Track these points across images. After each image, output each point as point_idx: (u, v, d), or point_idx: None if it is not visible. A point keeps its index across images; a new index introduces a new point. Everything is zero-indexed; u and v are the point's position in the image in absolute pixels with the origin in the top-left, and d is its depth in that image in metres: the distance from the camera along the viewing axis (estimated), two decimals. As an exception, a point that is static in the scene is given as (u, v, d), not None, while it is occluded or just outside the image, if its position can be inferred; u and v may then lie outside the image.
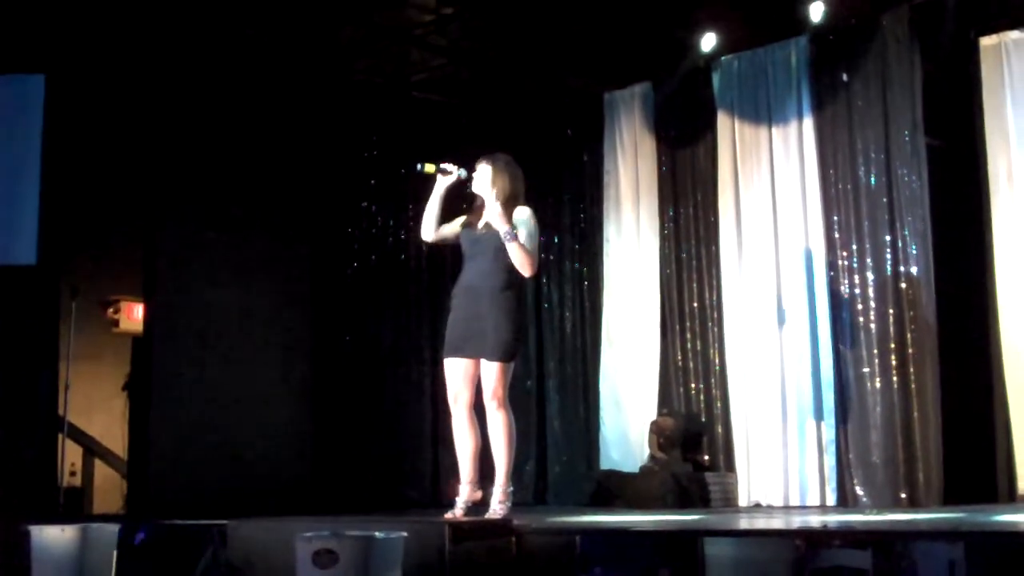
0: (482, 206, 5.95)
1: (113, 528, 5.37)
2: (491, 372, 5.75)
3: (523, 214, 5.86)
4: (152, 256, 9.18)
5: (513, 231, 5.74)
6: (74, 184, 8.86)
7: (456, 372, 5.88)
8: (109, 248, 10.71)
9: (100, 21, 8.58)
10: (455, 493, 5.95)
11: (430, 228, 6.09)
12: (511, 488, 5.79)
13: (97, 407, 10.70)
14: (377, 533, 4.43)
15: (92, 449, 10.64)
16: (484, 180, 5.93)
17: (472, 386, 5.86)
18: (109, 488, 10.66)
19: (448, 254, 10.47)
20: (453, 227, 6.08)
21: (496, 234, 5.79)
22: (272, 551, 5.15)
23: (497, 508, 5.71)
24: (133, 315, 10.86)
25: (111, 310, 11.28)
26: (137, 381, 9.47)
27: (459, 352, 5.85)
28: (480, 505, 5.84)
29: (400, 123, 10.41)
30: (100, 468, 10.73)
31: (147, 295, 9.32)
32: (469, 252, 5.95)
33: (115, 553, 5.27)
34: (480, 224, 5.92)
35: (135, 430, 9.17)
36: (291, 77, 9.62)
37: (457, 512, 5.75)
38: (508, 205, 5.85)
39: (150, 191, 9.28)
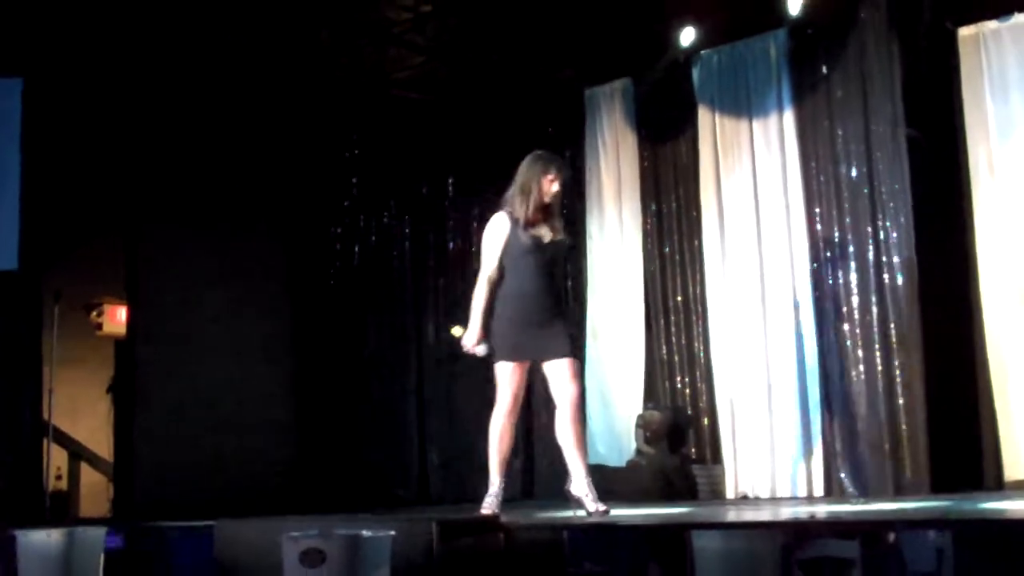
0: (547, 208, 6.10)
1: (99, 532, 5.35)
2: (572, 368, 5.98)
3: None
4: (134, 259, 9.17)
5: None
6: (54, 188, 8.83)
7: (522, 375, 6.04)
8: (91, 252, 10.68)
9: (79, 24, 8.54)
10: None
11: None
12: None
13: (82, 411, 10.67)
14: (365, 532, 4.43)
15: (77, 453, 10.62)
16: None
17: None
18: (96, 491, 10.64)
19: (432, 253, 10.52)
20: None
21: (563, 247, 6.16)
22: (260, 551, 5.12)
23: (598, 505, 5.81)
24: (116, 318, 10.84)
25: (94, 313, 11.26)
26: (121, 384, 9.46)
27: (529, 355, 6.01)
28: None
29: (381, 122, 10.40)
30: (86, 471, 10.72)
31: (130, 298, 9.30)
32: (532, 255, 6.03)
33: (102, 557, 5.25)
34: (547, 231, 6.09)
35: (120, 433, 9.16)
36: (270, 78, 9.60)
37: (599, 507, 5.80)
38: None
39: (131, 194, 9.27)
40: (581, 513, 5.85)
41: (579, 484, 5.91)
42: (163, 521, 6.78)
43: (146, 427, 8.88)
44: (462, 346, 6.08)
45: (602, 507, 5.81)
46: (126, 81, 8.99)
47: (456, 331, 6.22)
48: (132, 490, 8.81)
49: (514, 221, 6.07)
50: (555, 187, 6.09)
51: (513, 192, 6.16)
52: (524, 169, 6.18)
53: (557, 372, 5.97)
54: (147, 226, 9.16)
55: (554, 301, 6.08)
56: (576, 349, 6.13)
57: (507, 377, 6.01)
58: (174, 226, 9.17)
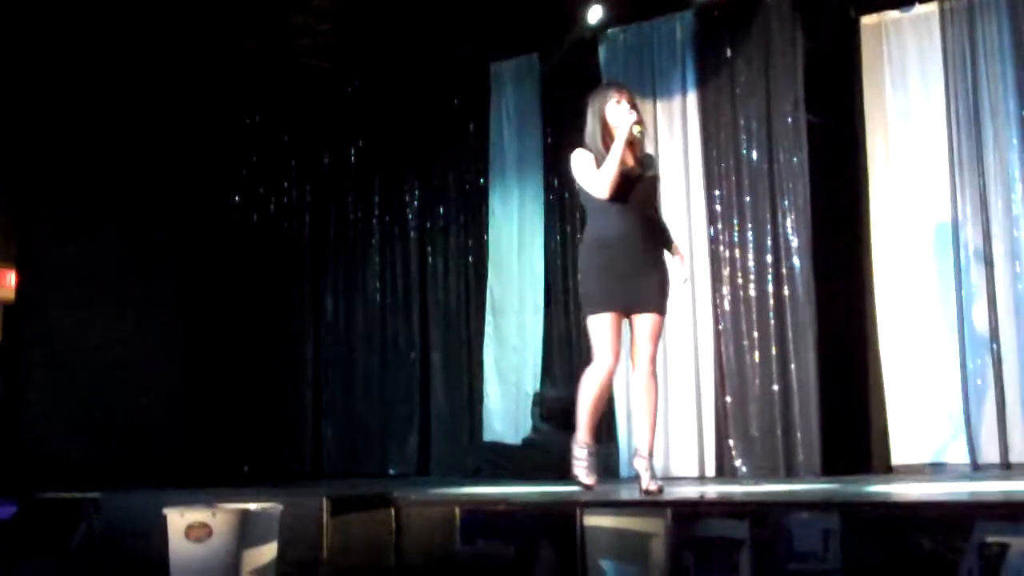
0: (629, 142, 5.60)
1: (-21, 502, 5.23)
2: (657, 326, 5.65)
3: None
4: (24, 222, 8.95)
5: None
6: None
7: (619, 328, 5.69)
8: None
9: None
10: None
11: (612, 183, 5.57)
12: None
13: (-34, 377, 10.40)
14: (251, 506, 4.37)
15: (-39, 420, 10.36)
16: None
17: None
18: (-21, 461, 10.38)
19: (332, 220, 10.41)
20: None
21: (655, 179, 5.70)
22: (146, 524, 5.04)
23: (651, 484, 5.59)
24: (5, 282, 10.57)
25: (-20, 277, 10.97)
26: (8, 350, 9.23)
27: (620, 305, 5.64)
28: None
29: (284, 89, 10.27)
30: (-30, 440, 10.45)
31: (19, 262, 9.08)
32: (621, 196, 5.56)
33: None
34: (635, 167, 5.64)
35: (7, 400, 8.94)
36: (170, 41, 9.39)
37: (650, 485, 5.59)
38: None
39: (21, 157, 9.03)
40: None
41: (639, 459, 5.75)
42: (48, 492, 6.66)
43: (33, 395, 8.69)
44: (640, 131, 5.60)
45: (654, 486, 5.55)
46: (17, 40, 8.74)
47: (636, 129, 5.55)
48: (18, 460, 8.61)
49: (596, 157, 5.63)
50: (623, 107, 5.63)
51: (587, 132, 5.78)
52: (587, 108, 5.83)
53: (639, 327, 5.67)
54: (38, 190, 8.94)
55: (647, 246, 5.64)
56: (664, 304, 5.69)
57: (603, 331, 5.66)
58: (66, 190, 8.97)
